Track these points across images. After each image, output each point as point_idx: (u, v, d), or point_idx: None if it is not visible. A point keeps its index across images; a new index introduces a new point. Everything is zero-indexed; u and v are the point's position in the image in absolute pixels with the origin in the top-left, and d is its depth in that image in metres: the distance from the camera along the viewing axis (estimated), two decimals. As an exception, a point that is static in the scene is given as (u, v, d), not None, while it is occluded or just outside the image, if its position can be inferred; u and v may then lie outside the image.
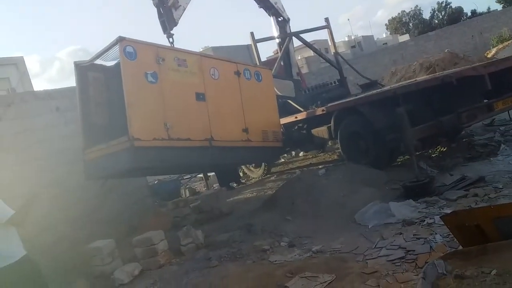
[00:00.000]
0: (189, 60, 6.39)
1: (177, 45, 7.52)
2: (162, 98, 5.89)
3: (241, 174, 10.90)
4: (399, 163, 7.89)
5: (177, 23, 7.90)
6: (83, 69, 6.52)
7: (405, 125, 6.27)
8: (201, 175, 11.56)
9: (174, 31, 7.72)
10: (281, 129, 8.06)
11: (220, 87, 6.79)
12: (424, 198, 5.68)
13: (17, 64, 18.80)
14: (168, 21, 7.73)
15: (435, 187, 6.01)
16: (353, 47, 57.16)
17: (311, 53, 30.95)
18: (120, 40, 5.59)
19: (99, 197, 7.52)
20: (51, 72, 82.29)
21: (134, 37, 5.81)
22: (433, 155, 7.86)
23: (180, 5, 8.00)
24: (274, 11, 10.50)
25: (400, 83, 11.03)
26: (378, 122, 7.24)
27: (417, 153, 7.22)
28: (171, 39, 7.57)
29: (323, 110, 8.31)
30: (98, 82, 6.24)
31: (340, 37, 62.50)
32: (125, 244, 6.41)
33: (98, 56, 6.24)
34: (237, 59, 7.73)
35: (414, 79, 11.13)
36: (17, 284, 3.46)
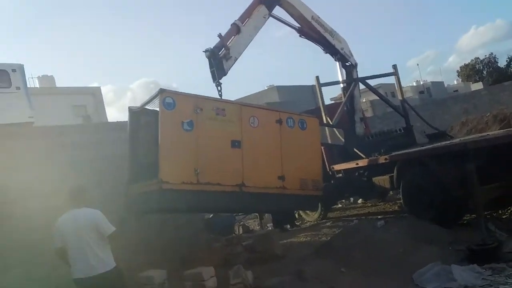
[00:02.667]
0: (228, 109, 6.69)
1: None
2: (195, 145, 6.22)
3: (296, 216, 10.73)
4: (465, 222, 7.40)
5: (227, 73, 8.20)
6: (136, 113, 7.06)
7: (474, 183, 5.94)
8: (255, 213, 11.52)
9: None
10: (321, 177, 7.81)
11: (258, 135, 6.91)
12: (490, 264, 5.29)
13: (94, 93, 20.26)
14: (217, 71, 8.04)
15: (503, 253, 5.56)
16: (422, 92, 55.78)
17: (376, 96, 30.66)
18: (161, 92, 6.13)
19: (156, 226, 7.72)
20: (124, 101, 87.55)
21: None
22: (504, 217, 7.31)
23: (232, 56, 8.30)
24: (340, 57, 10.54)
25: (471, 136, 10.51)
26: (445, 176, 6.91)
27: (486, 213, 6.77)
28: (219, 88, 7.89)
29: (386, 159, 8.09)
30: (149, 125, 6.63)
31: (408, 81, 61.30)
32: (176, 276, 6.46)
33: (146, 103, 6.79)
34: (281, 108, 8.05)
35: (486, 133, 10.60)
36: (113, 286, 4.52)
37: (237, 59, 8.50)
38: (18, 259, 6.05)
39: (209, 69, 8.17)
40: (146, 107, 6.88)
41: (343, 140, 9.94)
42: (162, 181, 5.79)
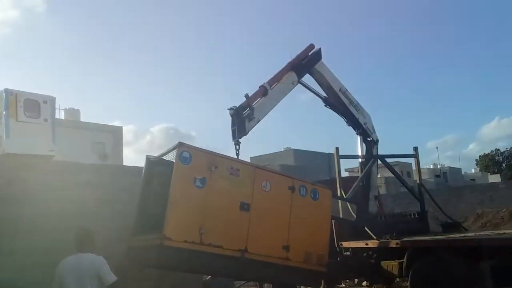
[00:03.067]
0: (242, 170, 6.55)
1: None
2: (204, 203, 6.07)
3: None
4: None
5: (247, 133, 8.24)
6: (152, 163, 7.00)
7: (487, 283, 5.68)
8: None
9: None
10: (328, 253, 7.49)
11: (269, 200, 6.72)
12: None
13: (114, 132, 20.60)
14: (239, 130, 8.10)
15: None
16: (438, 176, 55.39)
17: (391, 173, 30.47)
18: (180, 145, 6.05)
19: (152, 281, 7.49)
20: (142, 143, 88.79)
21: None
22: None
23: (255, 117, 8.37)
24: (362, 131, 10.58)
25: (486, 232, 10.22)
26: (457, 271, 6.65)
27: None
28: (237, 147, 7.92)
29: (397, 243, 7.86)
30: (163, 175, 6.54)
31: (425, 163, 60.98)
32: None
33: (164, 154, 6.76)
34: (295, 175, 7.71)
35: (502, 230, 10.31)
36: None
37: (259, 120, 8.58)
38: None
39: (230, 127, 8.27)
40: (164, 157, 6.82)
41: (355, 216, 9.72)
42: (165, 237, 5.60)
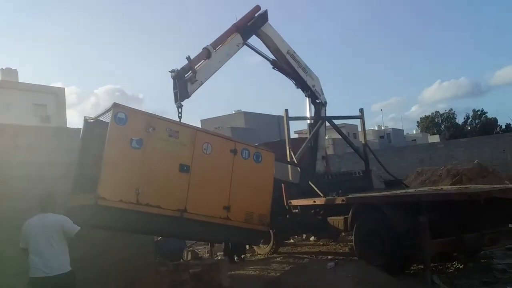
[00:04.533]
0: (182, 132, 6.53)
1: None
2: (141, 164, 6.06)
3: (247, 247, 10.62)
4: (412, 271, 7.54)
5: (190, 96, 8.19)
6: (91, 125, 6.86)
7: (425, 235, 6.07)
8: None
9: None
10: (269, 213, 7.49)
11: (209, 162, 6.72)
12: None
13: (57, 94, 19.60)
14: (180, 93, 8.01)
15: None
16: (382, 137, 57.57)
17: (338, 135, 31.38)
18: (115, 106, 5.96)
19: (101, 243, 7.41)
20: (86, 105, 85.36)
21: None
22: (449, 271, 7.51)
23: (197, 80, 8.30)
24: (311, 93, 10.73)
25: (425, 188, 10.84)
26: (398, 225, 7.05)
27: (433, 265, 6.92)
28: (179, 110, 7.88)
29: (343, 200, 8.19)
30: (101, 137, 6.35)
31: (370, 125, 63.25)
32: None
33: (100, 115, 6.63)
34: (237, 139, 7.73)
35: (440, 187, 10.97)
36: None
37: (202, 83, 8.46)
38: None
39: (172, 90, 8.12)
40: (102, 118, 6.66)
41: (298, 179, 9.81)
42: (99, 196, 5.60)
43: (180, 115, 7.87)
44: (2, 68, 20.94)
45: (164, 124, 6.38)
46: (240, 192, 6.95)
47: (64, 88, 20.88)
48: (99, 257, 7.28)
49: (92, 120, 6.85)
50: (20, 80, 20.45)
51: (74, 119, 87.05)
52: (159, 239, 9.71)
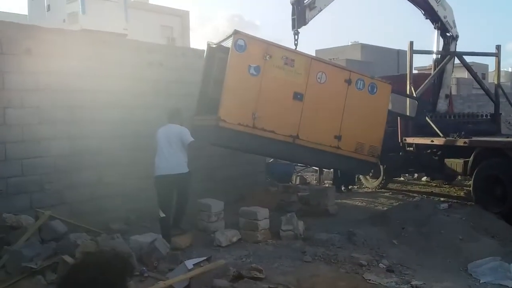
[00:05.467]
0: (297, 60, 6.58)
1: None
2: (258, 90, 6.29)
3: (355, 179, 10.65)
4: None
5: (307, 23, 7.97)
6: (213, 49, 7.17)
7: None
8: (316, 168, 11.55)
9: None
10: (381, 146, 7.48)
11: (323, 91, 6.76)
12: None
13: (182, 17, 20.45)
14: (298, 19, 7.83)
15: None
16: (516, 80, 51.34)
17: (464, 74, 28.65)
18: (235, 33, 6.17)
19: (219, 159, 8.01)
20: (206, 29, 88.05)
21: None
22: None
23: (316, 6, 7.99)
24: (441, 26, 9.80)
25: None
26: (526, 174, 6.49)
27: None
28: (296, 37, 7.75)
29: (465, 142, 7.69)
30: (222, 62, 6.66)
31: (504, 66, 56.32)
32: (231, 209, 6.76)
33: (222, 40, 6.90)
34: (353, 68, 7.63)
35: None
36: (185, 186, 5.93)
37: (321, 10, 8.17)
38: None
39: (291, 16, 7.99)
40: (223, 44, 6.94)
41: (414, 113, 9.36)
42: (220, 118, 6.02)
43: (296, 42, 7.83)
44: (134, -10, 22.39)
45: (280, 52, 6.48)
46: (352, 123, 6.97)
47: (189, 12, 21.77)
48: (217, 170, 7.94)
49: (214, 45, 7.15)
50: (150, 1, 21.71)
51: (196, 43, 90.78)
52: (270, 161, 10.17)
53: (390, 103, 9.96)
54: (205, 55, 7.34)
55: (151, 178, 5.83)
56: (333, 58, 29.62)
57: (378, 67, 28.14)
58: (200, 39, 77.40)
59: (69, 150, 6.31)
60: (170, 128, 5.89)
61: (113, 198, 6.62)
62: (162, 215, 5.72)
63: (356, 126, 7.03)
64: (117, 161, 6.70)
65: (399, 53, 35.34)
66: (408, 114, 9.16)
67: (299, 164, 11.49)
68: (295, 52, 6.96)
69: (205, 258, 4.73)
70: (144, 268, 4.71)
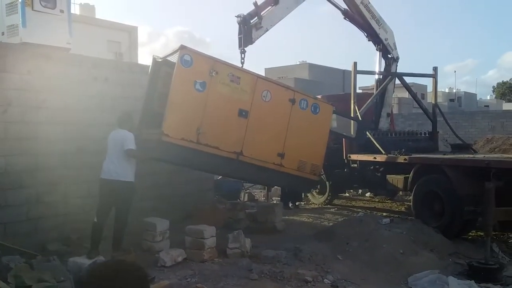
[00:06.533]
0: (243, 78, 6.66)
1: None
2: (203, 106, 6.31)
3: (302, 196, 10.80)
4: (469, 237, 7.39)
5: (254, 42, 8.23)
6: (158, 64, 7.13)
7: (490, 202, 5.86)
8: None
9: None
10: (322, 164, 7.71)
11: (268, 110, 6.87)
12: (488, 284, 5.27)
13: (130, 32, 20.18)
14: (245, 39, 8.06)
15: (503, 276, 5.56)
16: (452, 100, 54.52)
17: (405, 94, 30.06)
18: (182, 48, 6.16)
19: (166, 177, 7.87)
20: (155, 45, 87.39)
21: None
22: (510, 241, 7.28)
23: (263, 27, 8.25)
24: (383, 48, 10.29)
25: (495, 155, 10.32)
26: (461, 189, 6.87)
27: (493, 233, 6.73)
28: (242, 55, 7.96)
29: (405, 159, 8.04)
30: (168, 76, 6.69)
31: (441, 87, 59.48)
32: (178, 228, 6.62)
33: (168, 55, 6.88)
34: (297, 88, 7.83)
35: (511, 155, 10.39)
36: (125, 199, 5.71)
37: (268, 30, 8.42)
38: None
39: (237, 35, 8.16)
40: (169, 58, 6.92)
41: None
42: (163, 133, 5.96)
43: (242, 60, 8.02)
44: (81, 3, 21.77)
45: (227, 69, 6.52)
46: (295, 141, 7.09)
47: (137, 27, 21.47)
48: (163, 187, 7.78)
49: (160, 60, 7.10)
50: (97, 16, 21.24)
51: (144, 58, 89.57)
52: (219, 178, 10.12)
53: (335, 122, 10.32)
54: (150, 68, 7.25)
55: (94, 197, 5.62)
56: (282, 77, 30.22)
57: (325, 86, 29.01)
58: (148, 55, 76.58)
59: (4, 167, 5.97)
60: (118, 133, 5.86)
61: (53, 218, 6.29)
62: (95, 220, 5.65)
63: (299, 144, 7.14)
64: (58, 180, 6.39)
65: (344, 73, 36.60)
66: (350, 135, 9.43)
67: (246, 182, 11.53)
68: (241, 70, 7.05)
69: (149, 278, 4.58)
70: (82, 291, 4.49)
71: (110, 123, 6.47)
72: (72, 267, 4.85)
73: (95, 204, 5.71)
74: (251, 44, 8.21)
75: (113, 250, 5.66)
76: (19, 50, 6.38)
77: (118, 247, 5.71)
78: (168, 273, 5.38)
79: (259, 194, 11.66)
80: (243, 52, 8.03)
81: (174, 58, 6.54)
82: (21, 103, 6.13)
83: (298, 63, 40.61)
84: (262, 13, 8.26)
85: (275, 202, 10.05)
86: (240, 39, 8.11)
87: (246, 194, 10.81)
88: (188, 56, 6.16)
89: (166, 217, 6.54)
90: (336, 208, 10.12)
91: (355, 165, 9.51)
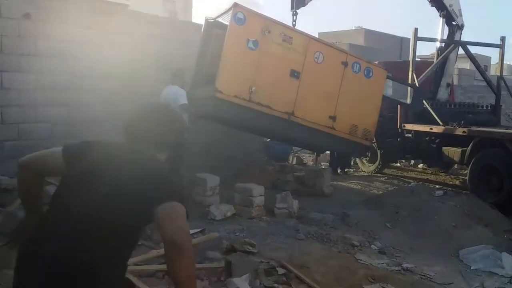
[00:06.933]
0: (295, 38, 6.58)
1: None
2: (256, 65, 6.29)
3: (351, 162, 10.67)
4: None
5: (306, 4, 8.12)
6: (210, 25, 7.17)
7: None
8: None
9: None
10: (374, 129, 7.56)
11: (320, 72, 6.78)
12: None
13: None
14: (297, 0, 7.98)
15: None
16: (518, 74, 51.13)
17: (466, 65, 28.51)
18: (235, 6, 6.15)
19: (220, 134, 8.00)
20: (209, 6, 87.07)
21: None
22: None
23: None
24: (447, 14, 9.69)
25: None
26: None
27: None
28: (294, 17, 7.83)
29: (464, 132, 7.69)
30: (219, 38, 6.69)
31: (507, 59, 56.04)
32: (227, 185, 6.77)
33: (220, 15, 6.89)
34: (351, 52, 7.77)
35: None
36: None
37: None
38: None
39: None
40: (220, 19, 6.94)
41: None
42: (217, 89, 6.02)
43: (294, 22, 7.92)
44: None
45: (279, 28, 6.47)
46: (347, 105, 7.01)
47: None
48: (214, 146, 7.92)
49: (212, 21, 7.11)
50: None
51: (198, 18, 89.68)
52: (268, 140, 10.16)
53: (390, 89, 9.98)
54: (202, 29, 7.30)
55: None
56: (336, 42, 29.33)
57: (381, 53, 27.95)
58: (202, 15, 76.54)
59: (67, 117, 6.25)
60: (170, 89, 6.07)
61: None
62: None
63: (351, 108, 7.07)
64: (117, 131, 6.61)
65: (402, 41, 35.09)
66: (405, 102, 9.13)
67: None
68: (293, 29, 6.97)
69: (199, 230, 4.74)
70: (137, 236, 4.71)
71: (164, 80, 6.60)
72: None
73: None
74: (303, 6, 8.11)
75: None
76: (81, 4, 6.53)
77: None
78: (217, 226, 5.54)
79: (308, 158, 11.63)
80: (295, 14, 7.95)
81: (226, 19, 6.58)
82: (83, 57, 6.34)
83: (353, 28, 39.26)
84: None
85: (323, 167, 9.99)
86: (292, 0, 8.00)
87: (295, 158, 10.82)
88: (241, 14, 6.16)
89: (216, 174, 6.68)
90: (386, 177, 9.93)
91: (409, 135, 9.22)
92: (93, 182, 1.75)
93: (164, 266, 4.08)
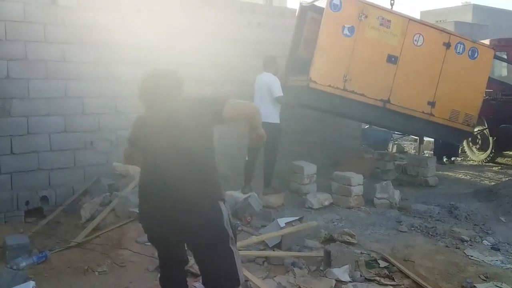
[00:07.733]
0: (394, 21, 6.29)
1: None
2: (350, 51, 6.12)
3: (459, 151, 9.92)
4: None
5: None
6: (305, 8, 6.98)
7: None
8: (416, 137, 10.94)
9: None
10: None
11: (419, 55, 6.42)
12: None
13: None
14: None
15: None
16: None
17: None
18: None
19: (315, 121, 7.90)
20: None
21: None
22: None
23: None
24: None
25: None
26: None
27: None
28: (392, 1, 7.23)
29: None
30: (314, 21, 6.55)
31: None
32: (324, 173, 6.70)
33: (315, 0, 6.71)
34: (455, 31, 7.21)
35: None
36: (271, 139, 5.10)
37: None
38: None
39: None
40: (316, 3, 6.77)
41: None
42: (311, 79, 5.96)
43: (392, 1, 7.39)
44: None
45: (377, 12, 6.21)
46: (448, 89, 6.60)
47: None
48: (310, 133, 7.86)
49: (307, 4, 6.99)
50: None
51: (293, 4, 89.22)
52: (366, 127, 9.84)
53: (505, 70, 9.08)
54: (296, 14, 7.20)
55: (246, 138, 5.86)
56: (440, 20, 27.35)
57: (491, 30, 25.52)
58: (295, 2, 75.96)
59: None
60: (263, 77, 5.93)
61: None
62: (246, 158, 5.88)
63: (452, 92, 6.64)
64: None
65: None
66: None
67: (396, 132, 10.98)
68: (391, 12, 6.60)
69: (297, 218, 4.74)
70: (238, 222, 4.86)
71: (259, 67, 6.64)
72: (229, 199, 5.24)
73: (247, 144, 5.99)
74: None
75: (264, 187, 5.96)
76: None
77: (268, 184, 6.00)
78: (315, 215, 5.52)
79: (409, 146, 11.06)
80: None
81: (321, 3, 6.42)
82: (182, 48, 6.58)
83: (460, 4, 36.28)
84: None
85: (427, 155, 9.43)
86: None
87: (395, 146, 10.36)
88: (337, 0, 5.99)
89: (312, 162, 6.62)
90: (499, 167, 9.08)
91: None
92: (161, 135, 2.44)
93: (264, 252, 4.19)
